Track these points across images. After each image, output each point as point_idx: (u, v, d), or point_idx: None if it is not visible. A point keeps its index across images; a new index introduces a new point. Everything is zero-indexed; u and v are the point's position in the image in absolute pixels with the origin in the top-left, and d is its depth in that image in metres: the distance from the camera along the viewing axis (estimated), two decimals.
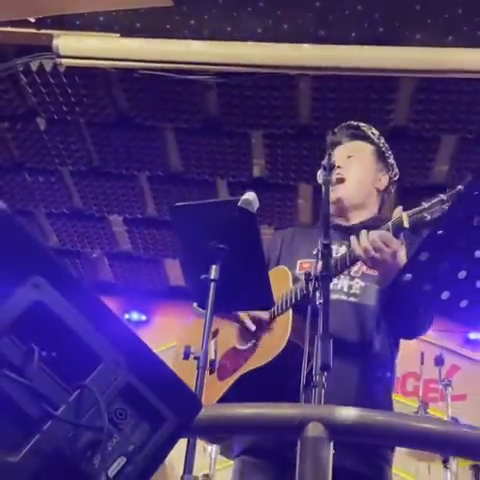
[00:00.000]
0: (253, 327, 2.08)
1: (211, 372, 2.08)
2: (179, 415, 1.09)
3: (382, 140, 2.34)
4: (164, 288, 5.94)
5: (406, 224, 1.84)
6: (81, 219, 5.14)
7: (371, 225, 2.10)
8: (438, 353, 4.58)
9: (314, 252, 2.06)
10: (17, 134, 4.38)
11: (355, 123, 2.36)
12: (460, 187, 1.79)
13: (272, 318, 2.07)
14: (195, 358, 1.73)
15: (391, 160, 2.33)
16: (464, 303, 1.56)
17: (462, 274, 1.55)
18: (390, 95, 3.85)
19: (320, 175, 2.03)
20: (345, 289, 2.11)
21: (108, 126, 4.26)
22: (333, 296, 1.95)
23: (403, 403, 5.64)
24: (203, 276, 1.80)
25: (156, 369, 1.11)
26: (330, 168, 2.01)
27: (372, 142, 2.32)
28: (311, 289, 1.77)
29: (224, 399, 2.06)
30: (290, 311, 1.99)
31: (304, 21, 3.52)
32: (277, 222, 4.89)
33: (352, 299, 2.10)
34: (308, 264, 2.15)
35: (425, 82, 3.72)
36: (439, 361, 4.47)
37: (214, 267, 1.79)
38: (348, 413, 1.28)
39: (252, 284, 1.90)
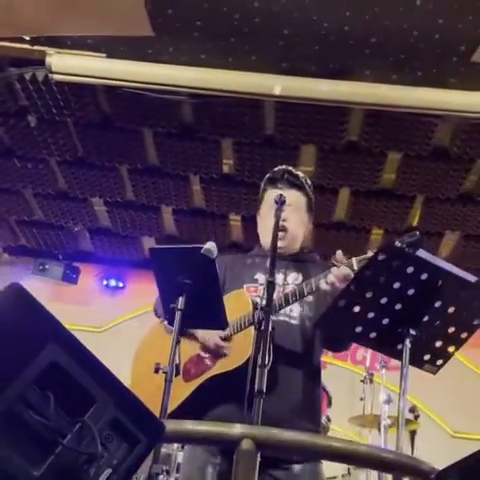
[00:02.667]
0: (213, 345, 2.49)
1: (176, 374, 2.39)
2: (149, 437, 1.57)
3: (311, 190, 2.69)
4: (139, 259, 6.61)
5: (355, 267, 2.29)
6: (65, 200, 5.76)
7: (298, 258, 2.66)
8: None
9: (255, 276, 2.60)
10: (9, 128, 4.95)
11: (295, 172, 2.67)
12: (397, 243, 2.18)
13: (234, 333, 2.45)
14: (163, 372, 2.21)
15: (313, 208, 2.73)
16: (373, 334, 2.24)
17: (370, 315, 2.23)
18: (343, 118, 4.48)
19: (272, 208, 2.43)
20: (287, 312, 2.51)
21: (93, 126, 4.84)
22: (279, 318, 2.43)
23: (352, 371, 6.44)
24: (172, 305, 2.27)
25: (134, 405, 1.61)
26: (282, 203, 2.39)
27: (306, 194, 2.66)
28: (257, 318, 2.15)
29: (189, 398, 2.45)
30: (252, 329, 2.26)
31: (269, 54, 4.11)
32: (244, 212, 5.57)
33: (293, 321, 2.51)
34: (253, 288, 2.57)
35: (373, 110, 4.36)
36: None
37: (180, 299, 2.26)
38: (272, 433, 1.81)
39: (210, 310, 2.37)
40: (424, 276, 2.09)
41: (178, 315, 2.26)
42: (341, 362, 6.45)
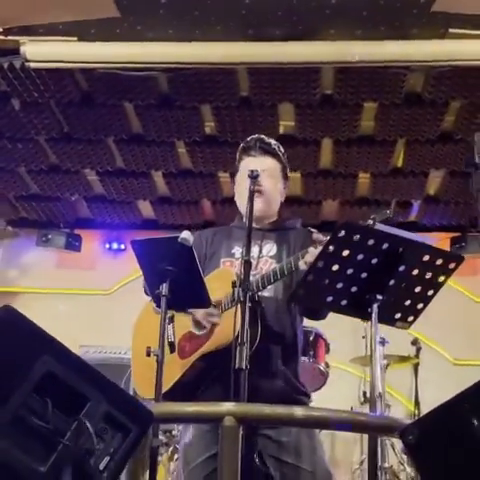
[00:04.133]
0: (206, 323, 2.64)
1: (172, 351, 2.63)
2: (140, 426, 1.79)
3: (285, 157, 2.82)
4: (137, 221, 6.93)
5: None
6: (58, 173, 6.04)
7: (275, 227, 2.80)
8: None
9: (232, 250, 2.75)
10: None
11: (267, 140, 2.80)
12: (387, 212, 2.39)
13: (222, 311, 2.60)
14: (155, 355, 2.40)
15: (288, 175, 2.86)
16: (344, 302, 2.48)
17: (339, 285, 2.40)
18: (314, 75, 4.68)
19: (245, 183, 2.56)
20: None
21: (74, 105, 5.08)
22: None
23: None
24: (157, 291, 2.48)
25: (123, 399, 1.79)
26: (255, 177, 2.53)
27: (280, 161, 2.79)
28: (235, 296, 2.31)
29: (185, 375, 2.61)
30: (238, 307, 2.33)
31: (234, 23, 4.29)
32: (231, 169, 5.83)
33: (265, 293, 2.62)
34: (229, 263, 2.73)
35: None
36: None
37: (164, 285, 2.47)
38: (250, 409, 2.04)
39: (192, 291, 2.56)
40: (385, 246, 2.30)
41: (163, 300, 2.47)
42: None
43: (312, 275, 2.33)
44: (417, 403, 5.89)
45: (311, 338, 4.62)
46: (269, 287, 2.61)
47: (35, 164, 5.88)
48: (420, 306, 2.48)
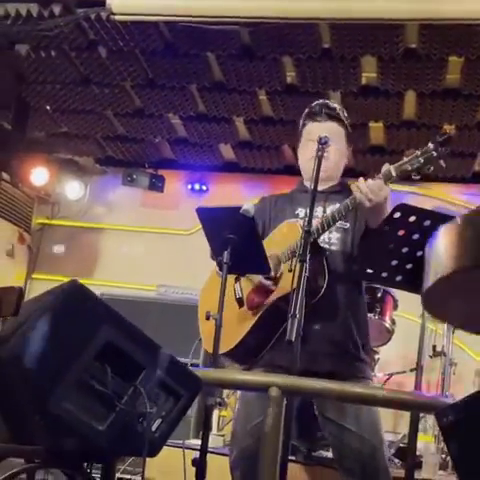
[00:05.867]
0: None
1: (241, 306, 2.84)
2: (190, 392, 2.05)
3: (348, 122, 2.92)
4: (219, 163, 7.17)
5: (394, 173, 2.52)
6: (142, 117, 6.33)
7: (337, 190, 2.91)
8: None
9: (296, 212, 2.88)
10: (84, 60, 5.49)
11: (332, 105, 2.91)
12: (430, 145, 2.49)
13: (284, 261, 2.75)
14: (214, 319, 2.60)
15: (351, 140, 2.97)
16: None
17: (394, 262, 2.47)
18: (397, 30, 4.69)
19: (310, 148, 2.73)
20: (326, 240, 2.80)
21: (158, 53, 5.30)
22: (322, 245, 2.72)
23: None
24: (219, 258, 2.70)
25: (176, 367, 2.03)
26: (324, 143, 2.63)
27: (344, 125, 2.91)
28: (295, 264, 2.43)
29: (253, 328, 2.77)
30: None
31: None
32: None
33: (333, 247, 2.80)
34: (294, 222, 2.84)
35: None
36: None
37: (225, 253, 2.66)
38: (294, 381, 2.21)
39: (253, 260, 2.76)
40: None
41: (225, 268, 2.67)
42: None
43: (367, 248, 2.49)
44: None
45: (379, 294, 4.76)
46: (335, 241, 2.79)
47: (121, 108, 6.18)
48: None
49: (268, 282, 2.78)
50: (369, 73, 5.35)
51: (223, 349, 2.72)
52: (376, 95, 5.45)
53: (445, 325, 5.29)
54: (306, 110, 2.93)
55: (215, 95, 5.80)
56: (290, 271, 2.48)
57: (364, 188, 2.52)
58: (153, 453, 1.99)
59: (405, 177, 2.56)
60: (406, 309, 5.20)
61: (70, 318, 1.94)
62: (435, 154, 2.50)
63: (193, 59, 5.30)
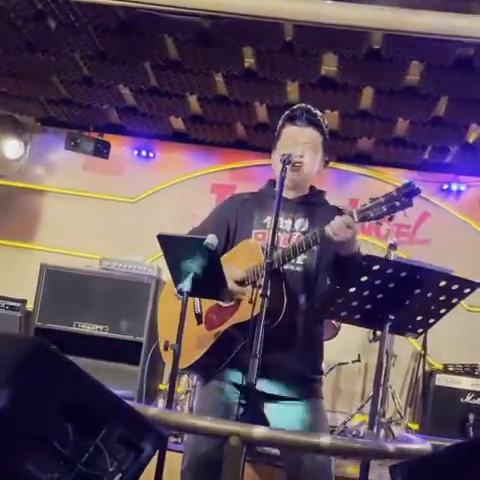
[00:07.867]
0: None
1: (199, 323, 2.86)
2: (152, 445, 2.06)
3: (327, 130, 2.91)
4: (167, 133, 7.05)
5: (356, 219, 2.54)
6: (90, 85, 6.11)
7: (307, 200, 2.93)
8: None
9: (264, 220, 2.87)
10: (31, 29, 5.23)
11: (313, 110, 2.90)
12: (394, 193, 2.49)
13: (248, 284, 2.75)
14: (172, 349, 2.59)
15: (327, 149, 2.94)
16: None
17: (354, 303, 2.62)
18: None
19: (280, 161, 2.68)
20: (293, 261, 2.79)
21: (111, 31, 5.10)
22: (286, 267, 2.73)
23: (376, 245, 6.95)
24: (180, 287, 2.66)
25: (138, 422, 2.05)
26: (289, 162, 2.68)
27: (322, 133, 2.89)
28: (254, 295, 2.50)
29: (213, 346, 2.79)
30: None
31: None
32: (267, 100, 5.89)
33: (298, 269, 2.82)
34: (261, 235, 2.86)
35: None
36: None
37: (186, 282, 2.65)
38: (256, 431, 2.13)
39: (213, 287, 2.76)
40: (403, 274, 2.52)
41: (185, 296, 2.65)
42: (366, 236, 6.93)
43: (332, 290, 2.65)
44: (424, 347, 6.22)
45: None
46: (301, 262, 2.82)
47: (68, 75, 5.95)
48: (431, 321, 2.71)
49: (228, 304, 2.82)
50: (329, 67, 5.30)
51: (183, 365, 2.75)
52: (334, 88, 5.42)
53: None
54: (286, 112, 2.91)
55: (169, 73, 5.64)
56: (250, 302, 2.55)
57: (334, 228, 2.55)
58: None
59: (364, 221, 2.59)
60: None
61: (30, 378, 1.91)
62: (398, 204, 2.51)
63: (148, 39, 5.13)
